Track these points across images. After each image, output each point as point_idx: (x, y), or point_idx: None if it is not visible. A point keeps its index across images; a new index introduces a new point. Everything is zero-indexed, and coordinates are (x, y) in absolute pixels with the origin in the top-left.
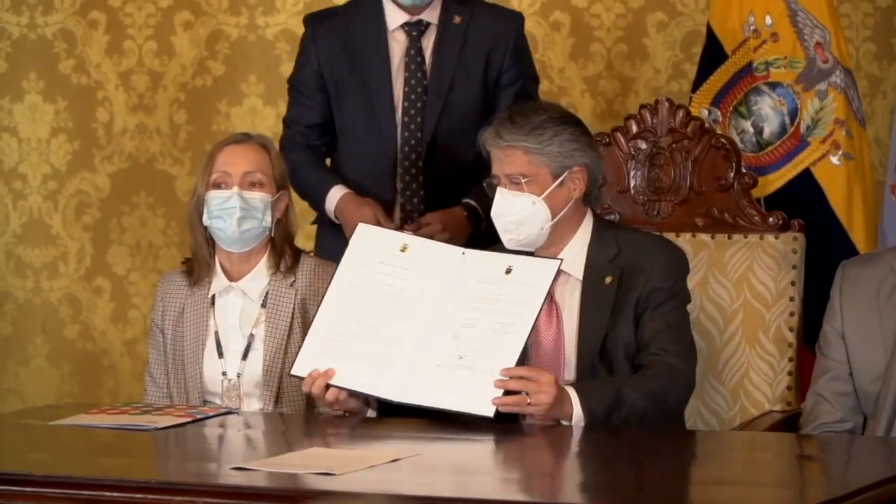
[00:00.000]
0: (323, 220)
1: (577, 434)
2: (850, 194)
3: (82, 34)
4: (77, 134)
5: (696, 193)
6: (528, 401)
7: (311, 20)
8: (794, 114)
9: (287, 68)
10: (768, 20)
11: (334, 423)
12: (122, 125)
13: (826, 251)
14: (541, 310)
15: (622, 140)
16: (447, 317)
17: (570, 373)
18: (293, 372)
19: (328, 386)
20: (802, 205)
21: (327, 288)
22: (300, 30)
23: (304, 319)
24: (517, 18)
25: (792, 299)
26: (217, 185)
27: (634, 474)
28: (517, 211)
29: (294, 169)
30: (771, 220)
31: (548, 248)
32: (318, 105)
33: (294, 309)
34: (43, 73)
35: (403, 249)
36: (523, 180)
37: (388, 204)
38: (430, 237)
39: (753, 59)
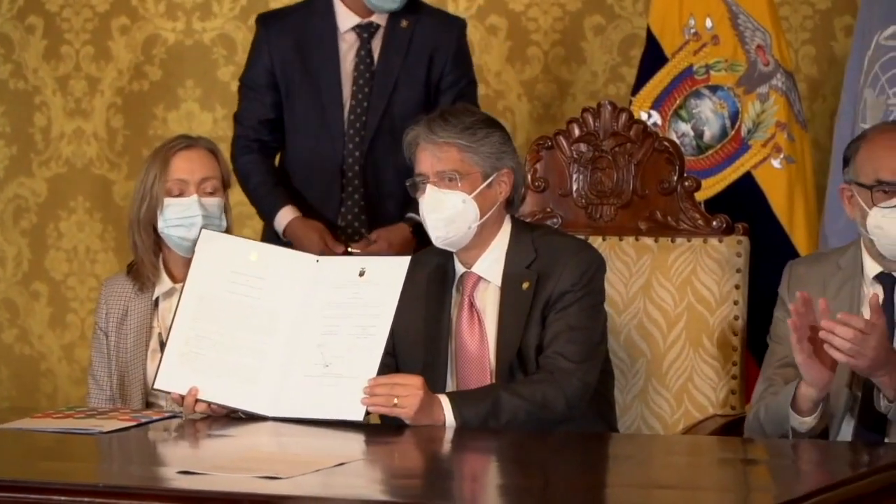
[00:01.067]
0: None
1: (519, 440)
2: (792, 198)
3: (19, 39)
4: (14, 139)
5: (639, 197)
6: (395, 401)
7: (264, 20)
8: (734, 117)
9: (224, 72)
10: (709, 23)
11: (279, 426)
12: (59, 130)
13: (768, 255)
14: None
15: (564, 143)
16: (308, 325)
17: (493, 378)
18: (156, 386)
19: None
20: (743, 208)
21: (180, 297)
22: (237, 34)
23: None
24: (460, 24)
25: (736, 303)
26: (174, 193)
27: (574, 478)
28: (448, 208)
29: (245, 176)
30: (715, 223)
31: (469, 250)
32: (270, 101)
33: None
34: None
35: (253, 257)
36: (457, 177)
37: (336, 203)
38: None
39: (694, 62)
